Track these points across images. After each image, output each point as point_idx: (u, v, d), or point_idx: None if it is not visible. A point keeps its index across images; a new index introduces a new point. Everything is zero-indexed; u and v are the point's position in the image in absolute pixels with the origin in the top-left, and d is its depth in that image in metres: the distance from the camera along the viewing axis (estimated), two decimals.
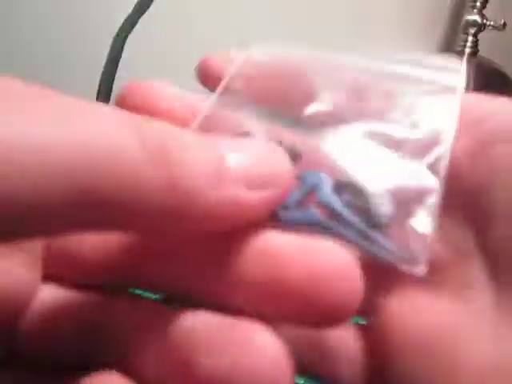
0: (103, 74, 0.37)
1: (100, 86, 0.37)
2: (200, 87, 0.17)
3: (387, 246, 0.13)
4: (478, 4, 0.68)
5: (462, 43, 0.69)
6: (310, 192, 0.14)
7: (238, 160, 0.11)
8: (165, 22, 0.61)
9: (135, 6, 0.37)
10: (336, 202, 0.13)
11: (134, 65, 0.62)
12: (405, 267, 0.13)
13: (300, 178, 0.14)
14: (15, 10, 0.53)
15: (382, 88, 0.16)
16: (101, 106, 0.10)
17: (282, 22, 0.68)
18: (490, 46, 0.71)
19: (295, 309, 0.11)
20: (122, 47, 0.37)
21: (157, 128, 0.11)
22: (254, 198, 0.11)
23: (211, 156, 0.11)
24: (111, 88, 0.37)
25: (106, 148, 0.09)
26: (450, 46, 0.80)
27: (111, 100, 0.61)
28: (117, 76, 0.38)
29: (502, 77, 0.69)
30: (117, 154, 0.09)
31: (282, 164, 0.12)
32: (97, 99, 0.58)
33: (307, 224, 0.13)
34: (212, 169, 0.11)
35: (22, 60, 0.55)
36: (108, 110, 0.10)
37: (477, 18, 0.68)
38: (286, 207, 0.13)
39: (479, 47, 0.69)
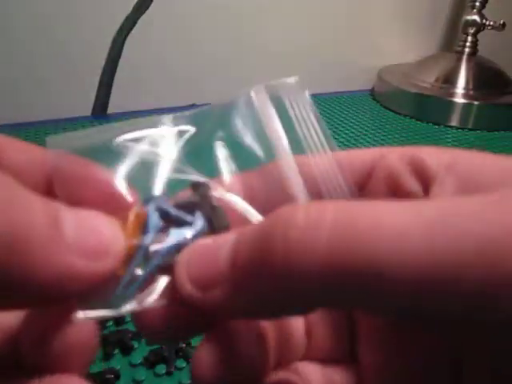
0: (103, 73, 0.37)
1: (100, 85, 0.37)
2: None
3: None
4: (478, 4, 0.68)
5: (462, 43, 0.70)
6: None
7: (76, 230, 0.12)
8: (164, 22, 0.61)
9: (135, 5, 0.37)
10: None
11: (133, 65, 0.62)
12: None
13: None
14: (15, 10, 0.53)
15: None
16: None
17: (282, 21, 0.68)
18: (490, 46, 0.71)
19: None
20: (122, 47, 0.37)
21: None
22: (90, 267, 0.12)
23: (48, 222, 0.11)
24: (111, 87, 0.37)
25: None
26: (449, 46, 0.81)
27: (110, 98, 0.61)
28: (117, 76, 0.38)
29: (501, 77, 0.69)
30: None
31: (113, 237, 0.13)
32: (96, 98, 0.58)
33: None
34: (48, 235, 0.11)
35: (22, 60, 0.55)
36: None
37: (476, 17, 0.68)
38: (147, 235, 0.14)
39: (479, 47, 0.69)
